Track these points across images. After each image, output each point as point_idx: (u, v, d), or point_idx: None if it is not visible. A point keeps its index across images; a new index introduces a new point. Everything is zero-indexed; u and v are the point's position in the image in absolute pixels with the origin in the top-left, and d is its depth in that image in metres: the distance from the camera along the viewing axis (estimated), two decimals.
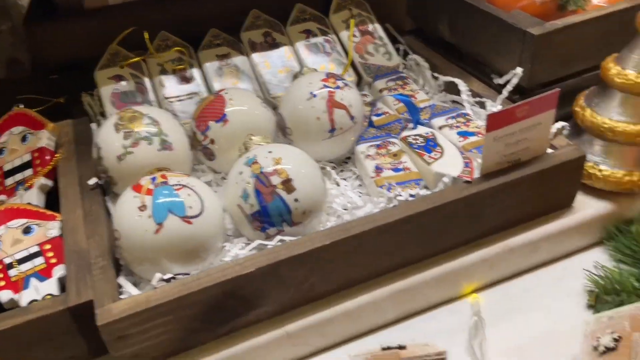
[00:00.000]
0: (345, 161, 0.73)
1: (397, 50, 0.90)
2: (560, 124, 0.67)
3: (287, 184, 0.56)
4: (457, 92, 0.78)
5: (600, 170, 0.67)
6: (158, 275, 0.52)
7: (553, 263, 0.68)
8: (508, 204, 0.63)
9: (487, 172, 0.61)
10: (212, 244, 0.56)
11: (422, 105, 0.77)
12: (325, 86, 0.67)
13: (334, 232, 0.56)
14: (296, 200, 0.56)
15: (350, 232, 0.56)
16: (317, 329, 0.58)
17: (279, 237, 0.56)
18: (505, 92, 0.71)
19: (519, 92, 0.74)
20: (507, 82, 0.72)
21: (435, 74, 0.83)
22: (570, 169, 0.64)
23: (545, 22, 0.69)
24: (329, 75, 0.69)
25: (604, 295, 0.61)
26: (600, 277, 0.62)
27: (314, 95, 0.67)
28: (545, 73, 0.71)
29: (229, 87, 0.75)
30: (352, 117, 0.68)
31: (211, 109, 0.67)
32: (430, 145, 0.68)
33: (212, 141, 0.67)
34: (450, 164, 0.64)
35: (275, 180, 0.56)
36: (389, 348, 0.51)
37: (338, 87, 0.67)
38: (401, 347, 0.51)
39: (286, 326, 0.57)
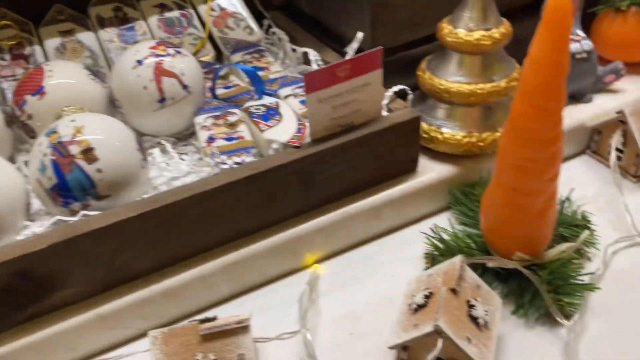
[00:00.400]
0: (190, 135, 0.70)
1: (262, 25, 0.87)
2: (398, 87, 0.66)
3: (88, 154, 0.51)
4: None
5: (441, 133, 0.66)
6: None
7: (400, 229, 0.67)
8: (344, 169, 0.61)
9: (317, 136, 0.59)
10: (6, 222, 0.51)
11: (273, 76, 0.74)
12: (153, 54, 0.63)
13: (143, 204, 0.52)
14: (99, 170, 0.52)
15: (160, 202, 0.52)
16: (135, 311, 0.54)
17: (83, 213, 0.52)
18: (346, 58, 0.69)
19: None
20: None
21: (294, 47, 0.81)
22: (407, 131, 0.62)
23: None
24: (160, 43, 0.65)
25: (440, 257, 0.60)
26: (439, 239, 0.62)
27: (140, 63, 0.63)
28: (388, 38, 0.69)
29: (54, 60, 0.70)
30: (184, 87, 0.64)
31: (28, 82, 0.62)
32: (270, 114, 0.65)
33: (29, 116, 0.61)
34: (284, 131, 0.62)
35: (74, 149, 0.51)
36: (196, 321, 0.48)
37: (168, 55, 0.64)
38: (208, 320, 0.48)
39: (99, 308, 0.53)
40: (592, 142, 0.74)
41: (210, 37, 0.83)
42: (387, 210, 0.65)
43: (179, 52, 0.65)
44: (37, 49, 0.76)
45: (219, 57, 0.84)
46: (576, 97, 0.76)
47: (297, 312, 0.57)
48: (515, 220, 0.54)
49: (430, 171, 0.67)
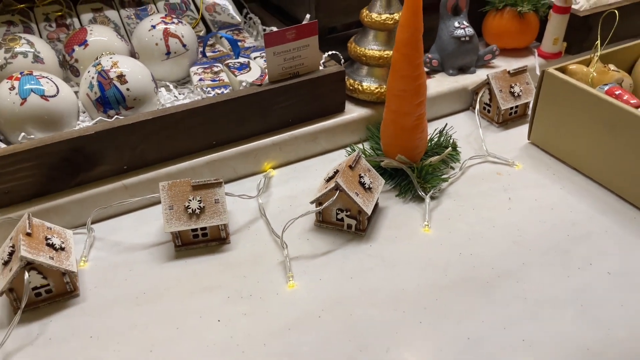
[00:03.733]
0: (186, 82, 0.98)
1: (242, 12, 1.17)
2: (331, 52, 0.96)
3: (121, 78, 0.80)
4: None
5: (361, 86, 0.95)
6: (23, 134, 0.74)
7: (332, 151, 0.95)
8: (292, 103, 0.89)
9: (273, 80, 0.88)
10: (67, 118, 0.79)
11: (247, 45, 1.04)
12: (163, 21, 0.92)
13: (155, 112, 0.80)
14: (128, 89, 0.80)
15: (167, 112, 0.80)
16: (147, 185, 0.82)
17: (116, 117, 0.80)
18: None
19: None
20: None
21: (264, 27, 1.10)
22: (335, 81, 0.91)
23: None
24: (168, 15, 0.94)
25: None
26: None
27: (154, 27, 0.91)
28: (328, 19, 0.99)
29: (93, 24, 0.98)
30: (184, 45, 0.93)
31: (76, 37, 0.90)
32: (243, 67, 0.94)
33: (76, 60, 0.89)
34: (251, 76, 0.90)
35: (112, 74, 0.80)
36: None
37: (173, 23, 0.93)
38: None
39: (124, 181, 0.81)
40: (473, 100, 1.04)
41: (203, 19, 1.12)
42: (322, 137, 0.93)
43: (181, 22, 0.94)
44: (75, 20, 1.05)
45: (208, 32, 1.13)
46: (463, 70, 1.06)
47: (256, 194, 0.85)
48: (398, 134, 0.83)
49: (354, 112, 0.96)
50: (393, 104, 0.81)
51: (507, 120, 1.00)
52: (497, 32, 1.09)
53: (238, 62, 0.95)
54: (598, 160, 0.83)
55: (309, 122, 0.92)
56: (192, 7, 1.13)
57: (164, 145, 0.82)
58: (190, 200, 0.73)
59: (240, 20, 1.14)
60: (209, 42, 1.06)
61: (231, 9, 1.14)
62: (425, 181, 0.84)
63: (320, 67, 0.93)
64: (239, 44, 1.04)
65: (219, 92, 0.87)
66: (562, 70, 0.88)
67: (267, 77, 0.90)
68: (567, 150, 0.88)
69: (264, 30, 1.10)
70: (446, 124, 0.94)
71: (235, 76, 0.90)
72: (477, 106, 0.97)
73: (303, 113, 0.92)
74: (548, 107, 0.89)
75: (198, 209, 0.73)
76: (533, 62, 1.09)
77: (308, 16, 0.98)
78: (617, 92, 0.80)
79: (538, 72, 1.07)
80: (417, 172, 0.84)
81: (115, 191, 0.80)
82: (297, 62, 0.88)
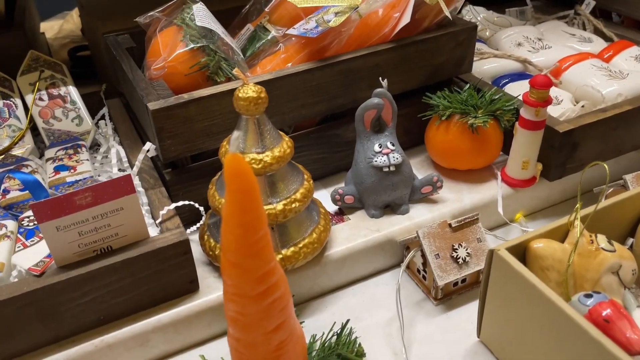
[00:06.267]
0: None
1: (95, 114, 0.85)
2: (175, 204, 0.63)
3: None
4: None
5: None
6: None
7: (179, 355, 0.63)
8: (100, 295, 0.57)
9: (63, 264, 0.55)
10: None
11: (73, 179, 0.71)
12: None
13: None
14: None
15: None
16: None
17: None
18: (135, 168, 0.67)
19: (172, 165, 0.70)
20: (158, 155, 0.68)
21: (117, 145, 0.78)
22: (175, 254, 0.59)
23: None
24: None
25: None
26: None
27: None
28: (180, 147, 0.66)
29: None
30: None
31: None
32: (38, 228, 0.62)
33: None
34: (36, 253, 0.58)
35: None
36: None
37: None
38: None
39: None
40: (404, 256, 0.71)
41: (34, 130, 0.81)
42: (159, 336, 0.60)
43: None
44: None
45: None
46: (392, 208, 0.73)
47: None
48: None
49: (214, 290, 0.63)
50: (231, 326, 0.48)
51: (450, 294, 0.67)
52: (443, 148, 0.77)
53: None
54: None
55: (134, 317, 0.60)
56: (20, 110, 0.82)
57: None
58: None
59: (89, 126, 0.82)
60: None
61: (82, 108, 0.83)
62: None
63: (154, 232, 0.61)
64: (66, 173, 0.72)
65: None
66: (523, 250, 0.56)
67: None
68: None
69: (119, 143, 0.79)
70: (348, 321, 0.61)
71: (15, 251, 0.58)
72: (401, 273, 0.64)
73: (122, 305, 0.59)
74: (501, 304, 0.56)
75: None
76: (495, 191, 0.76)
77: (148, 146, 0.66)
78: (605, 314, 0.47)
79: (501, 211, 0.74)
80: None
81: None
82: (105, 233, 0.56)
